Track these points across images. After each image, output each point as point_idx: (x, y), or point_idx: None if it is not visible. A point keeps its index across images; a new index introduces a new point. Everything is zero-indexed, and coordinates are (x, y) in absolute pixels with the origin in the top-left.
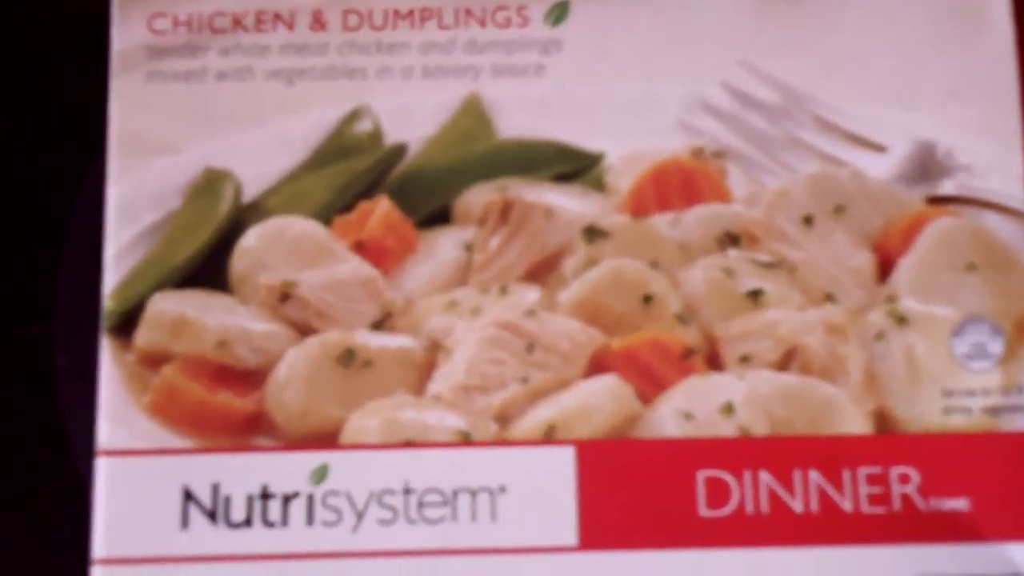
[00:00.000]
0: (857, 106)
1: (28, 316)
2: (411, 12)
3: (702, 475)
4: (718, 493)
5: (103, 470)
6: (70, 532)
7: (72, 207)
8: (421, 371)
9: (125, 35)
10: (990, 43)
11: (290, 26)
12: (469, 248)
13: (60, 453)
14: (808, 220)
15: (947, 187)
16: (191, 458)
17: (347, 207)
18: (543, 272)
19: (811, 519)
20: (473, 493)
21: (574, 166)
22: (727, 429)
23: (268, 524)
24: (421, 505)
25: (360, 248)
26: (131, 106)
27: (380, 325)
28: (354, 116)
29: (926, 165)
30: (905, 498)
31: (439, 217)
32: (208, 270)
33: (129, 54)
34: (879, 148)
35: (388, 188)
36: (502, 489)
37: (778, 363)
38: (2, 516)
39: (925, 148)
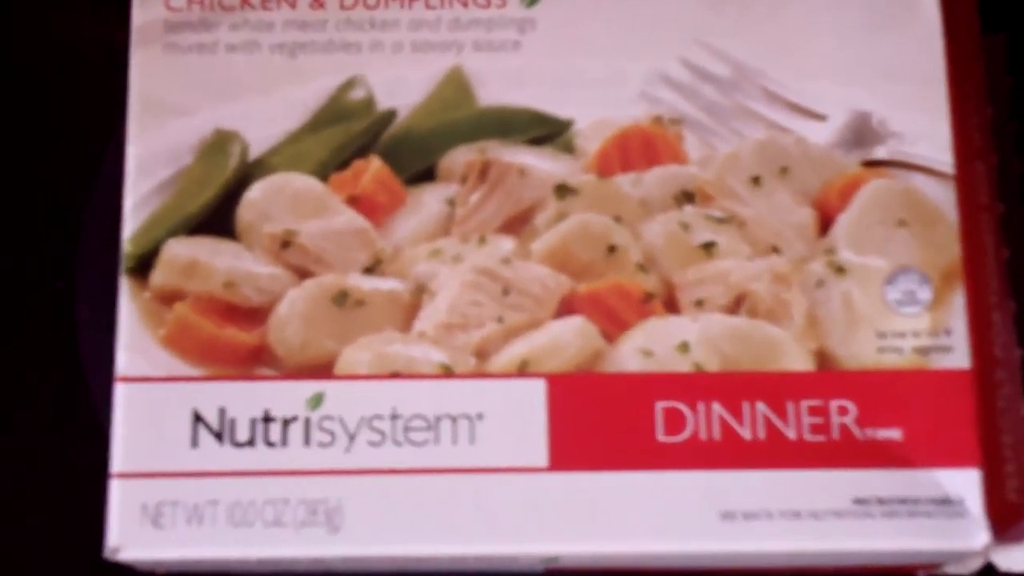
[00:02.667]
0: (801, 80)
1: (53, 270)
2: None
3: (660, 405)
4: (674, 422)
5: (121, 395)
6: (89, 452)
7: (96, 172)
8: (408, 311)
9: (144, 12)
10: (921, 25)
11: (292, 4)
12: (451, 203)
13: (79, 387)
14: (756, 180)
15: (880, 152)
16: (200, 385)
17: (343, 165)
18: (518, 224)
19: (758, 446)
20: (454, 419)
21: (546, 131)
22: (683, 365)
23: (269, 444)
24: (407, 429)
25: (354, 202)
26: (149, 75)
27: (371, 270)
28: (349, 85)
29: (862, 132)
30: (843, 428)
31: (425, 175)
32: (217, 219)
33: (148, 29)
34: (820, 117)
35: (379, 149)
36: (480, 416)
37: (729, 307)
38: (28, 442)
39: (861, 117)
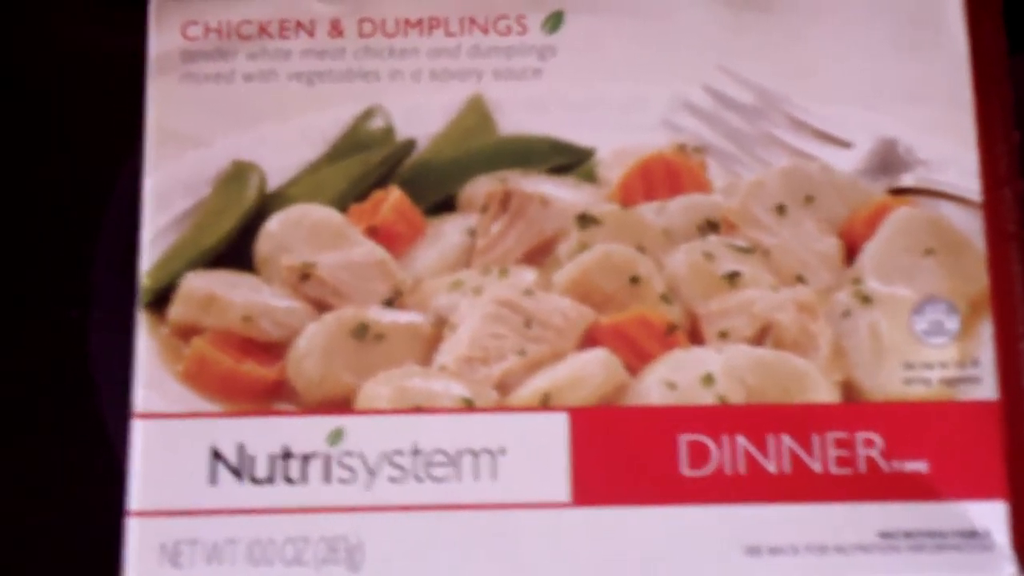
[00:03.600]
0: (826, 105)
1: (67, 300)
2: (420, 21)
3: (684, 439)
4: (699, 455)
5: (139, 431)
6: (105, 490)
7: (108, 200)
8: (428, 344)
9: (161, 41)
10: (947, 50)
11: (311, 33)
12: (472, 233)
13: (94, 423)
14: (781, 209)
15: (907, 180)
16: (219, 421)
17: (362, 196)
18: (539, 255)
19: (783, 479)
20: (475, 454)
21: (568, 160)
22: (707, 398)
23: (289, 481)
24: (428, 464)
25: (373, 233)
26: (166, 105)
27: (391, 303)
28: (368, 114)
29: (888, 160)
30: (869, 460)
31: (445, 205)
32: (235, 252)
33: (164, 58)
34: (845, 144)
35: (399, 179)
36: (502, 451)
37: (753, 338)
38: (43, 479)
39: (887, 144)
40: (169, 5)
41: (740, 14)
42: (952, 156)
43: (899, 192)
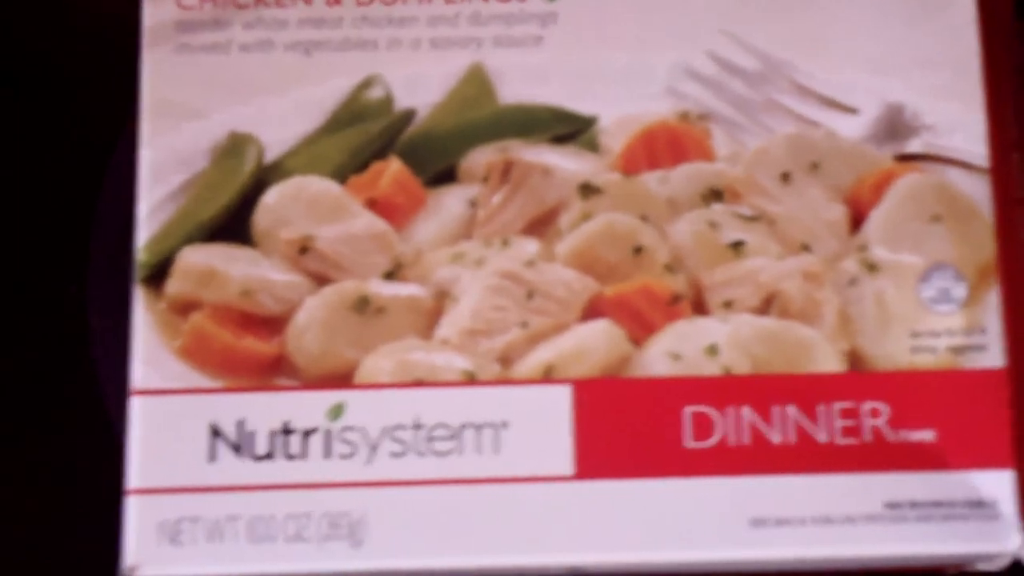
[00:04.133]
0: (831, 72)
1: (65, 275)
2: None
3: (688, 410)
4: (703, 427)
5: (137, 408)
6: (104, 467)
7: (104, 174)
8: (429, 317)
9: (156, 11)
10: (954, 14)
11: (307, 2)
12: (473, 204)
13: (93, 399)
14: (786, 176)
15: (914, 145)
16: (218, 397)
17: (361, 167)
18: (541, 226)
19: (789, 450)
20: (478, 428)
21: (570, 129)
22: (711, 368)
23: (289, 457)
24: (430, 439)
25: (373, 205)
26: (161, 76)
27: (392, 275)
28: (367, 84)
29: (894, 125)
30: (875, 430)
31: (446, 176)
32: (233, 225)
33: (159, 29)
34: (851, 110)
35: (398, 150)
36: (504, 424)
37: (758, 308)
38: (41, 456)
39: (894, 110)
40: None
41: None
42: (960, 121)
43: (906, 158)
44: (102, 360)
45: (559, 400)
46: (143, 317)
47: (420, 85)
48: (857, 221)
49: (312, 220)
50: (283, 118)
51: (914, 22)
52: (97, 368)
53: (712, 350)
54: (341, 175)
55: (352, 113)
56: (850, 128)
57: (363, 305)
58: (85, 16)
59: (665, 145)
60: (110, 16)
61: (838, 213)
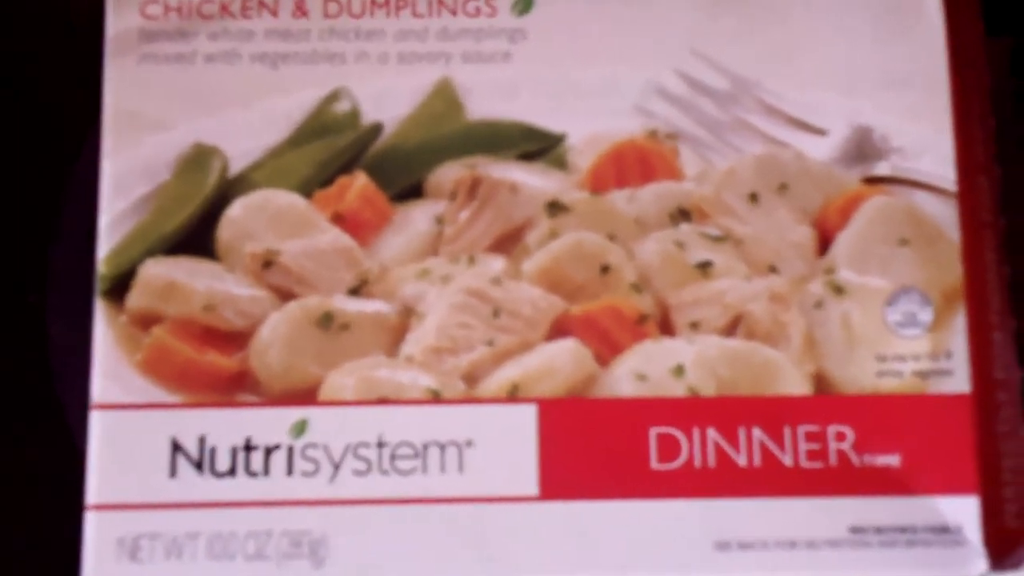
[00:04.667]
0: (800, 91)
1: (25, 285)
2: (387, 1)
3: (654, 431)
4: (669, 448)
5: (97, 423)
6: (64, 482)
7: (66, 182)
8: (394, 334)
9: (119, 20)
10: (923, 35)
11: (274, 13)
12: (440, 221)
13: (53, 411)
14: (754, 197)
15: (882, 168)
16: (179, 412)
17: (327, 181)
18: (508, 243)
19: (754, 473)
20: (442, 446)
21: (538, 146)
22: (678, 389)
23: (251, 474)
24: (394, 457)
25: (339, 220)
26: (125, 86)
27: (357, 291)
28: (334, 97)
29: (863, 148)
30: (841, 454)
31: (412, 192)
32: (196, 239)
33: (123, 38)
34: (820, 132)
35: (365, 164)
36: (469, 443)
37: (725, 329)
38: (2, 472)
39: (862, 132)
40: None
41: None
42: (928, 143)
43: (874, 181)
44: (63, 372)
45: (524, 419)
46: (104, 330)
47: (388, 99)
48: (824, 243)
49: (277, 234)
50: (248, 130)
51: (883, 41)
52: (58, 380)
53: (678, 371)
54: (307, 189)
55: (319, 126)
56: (818, 150)
57: (327, 321)
58: (48, 24)
59: (633, 164)
60: (73, 24)
61: (805, 235)
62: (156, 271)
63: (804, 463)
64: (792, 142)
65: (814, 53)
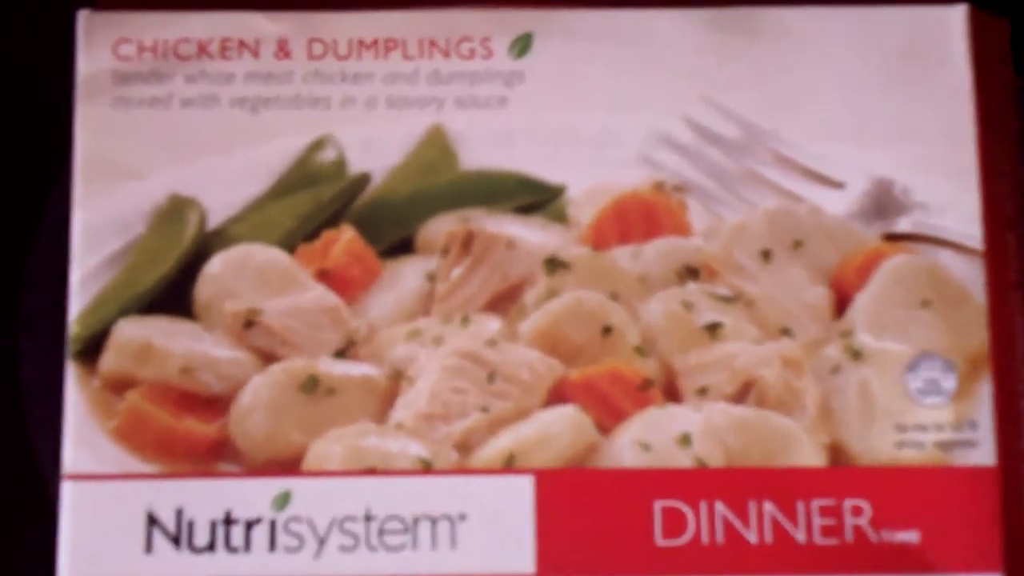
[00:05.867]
0: (816, 142)
1: None
2: (375, 42)
3: (659, 505)
4: (675, 523)
5: (68, 494)
6: (38, 552)
7: (38, 226)
8: (384, 399)
9: (90, 61)
10: (947, 82)
11: (255, 54)
12: (432, 278)
13: (28, 472)
14: (766, 255)
15: (903, 224)
16: (156, 483)
17: (311, 236)
18: (505, 302)
19: (765, 550)
20: (433, 520)
21: (536, 198)
22: (684, 460)
23: (231, 549)
24: (382, 532)
25: (324, 276)
26: (97, 131)
27: (343, 353)
28: (318, 145)
29: (883, 202)
30: (857, 530)
31: (402, 247)
32: (173, 297)
33: (94, 80)
34: (837, 184)
35: (352, 217)
36: (462, 517)
37: (735, 395)
38: None
39: (882, 185)
40: (99, 20)
41: (725, 40)
42: (952, 199)
43: (894, 238)
44: (38, 439)
45: (521, 491)
46: (75, 395)
47: (376, 147)
48: (841, 304)
49: (258, 292)
50: (228, 180)
51: (905, 88)
52: (34, 447)
53: (684, 440)
54: (290, 244)
55: (302, 176)
56: (835, 204)
57: (312, 385)
58: (15, 65)
59: (638, 218)
60: (42, 66)
61: (821, 295)
62: (131, 332)
63: (818, 539)
64: (807, 195)
65: (830, 101)
